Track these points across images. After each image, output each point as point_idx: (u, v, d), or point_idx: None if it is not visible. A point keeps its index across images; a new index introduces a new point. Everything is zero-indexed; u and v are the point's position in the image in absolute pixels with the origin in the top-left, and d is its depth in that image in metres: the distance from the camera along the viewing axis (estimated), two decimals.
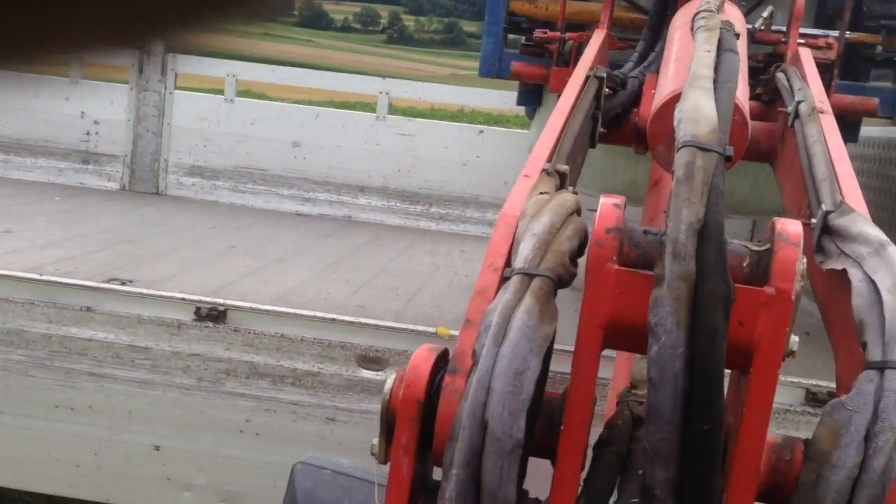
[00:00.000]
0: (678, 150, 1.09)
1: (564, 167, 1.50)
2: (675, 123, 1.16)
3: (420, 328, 3.34)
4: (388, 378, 1.16)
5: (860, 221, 1.29)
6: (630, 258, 1.06)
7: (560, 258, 1.10)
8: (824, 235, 1.32)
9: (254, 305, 3.42)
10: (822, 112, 1.79)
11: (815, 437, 1.04)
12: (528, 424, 1.01)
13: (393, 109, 6.43)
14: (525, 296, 1.05)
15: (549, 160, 1.55)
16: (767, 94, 2.34)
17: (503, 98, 6.53)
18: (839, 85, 3.22)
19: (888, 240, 1.21)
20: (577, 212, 1.21)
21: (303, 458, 1.86)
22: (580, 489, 1.10)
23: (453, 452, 1.02)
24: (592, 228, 1.10)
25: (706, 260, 0.98)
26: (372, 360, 3.36)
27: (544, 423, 1.12)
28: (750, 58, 2.29)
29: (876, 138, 4.28)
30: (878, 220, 1.32)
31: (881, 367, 1.04)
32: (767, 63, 2.51)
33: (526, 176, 1.46)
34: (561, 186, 1.41)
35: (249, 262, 4.34)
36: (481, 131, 6.22)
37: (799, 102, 1.86)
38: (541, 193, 1.29)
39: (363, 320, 3.37)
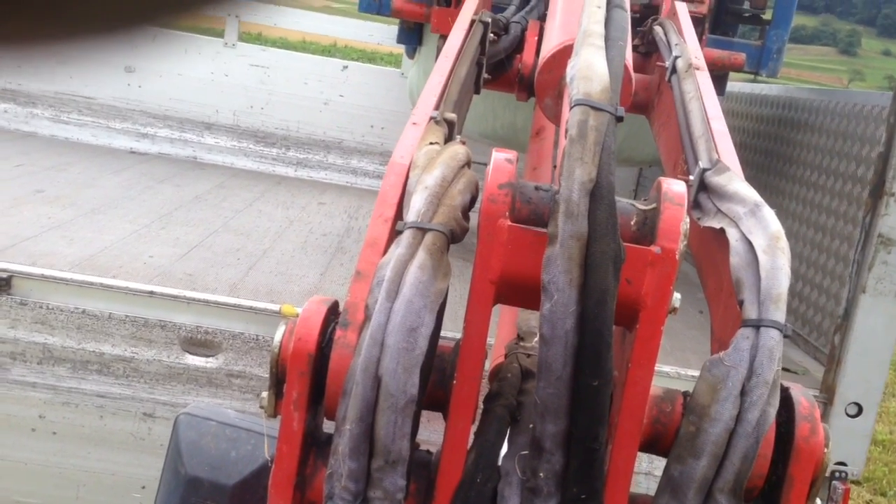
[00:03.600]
0: (571, 108, 1.07)
1: (453, 115, 1.47)
2: (567, 80, 1.16)
3: (259, 304, 2.74)
4: (278, 330, 1.13)
5: (735, 180, 1.31)
6: (522, 214, 1.06)
7: (453, 213, 1.10)
8: (701, 192, 1.34)
9: (47, 272, 2.72)
10: (697, 69, 1.79)
11: (694, 391, 1.07)
12: (421, 380, 1.01)
13: (264, 40, 5.67)
14: (418, 251, 1.04)
15: (437, 107, 1.52)
16: (644, 47, 2.33)
17: (369, 30, 5.87)
18: (708, 39, 3.28)
19: (762, 200, 1.23)
20: (469, 164, 1.20)
21: (186, 409, 1.74)
22: (471, 442, 1.11)
23: (346, 408, 1.02)
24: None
25: (598, 220, 0.99)
26: (199, 344, 2.74)
27: (436, 378, 1.14)
28: None
29: (774, 97, 3.96)
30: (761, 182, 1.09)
31: (757, 325, 1.07)
32: (644, 15, 2.48)
33: (414, 123, 1.44)
34: (449, 135, 1.42)
35: (56, 212, 3.57)
36: (345, 66, 5.54)
37: (676, 58, 1.85)
38: (431, 143, 1.28)
39: (189, 294, 2.74)
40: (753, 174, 3.84)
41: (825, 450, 1.11)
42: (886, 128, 2.58)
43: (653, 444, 1.15)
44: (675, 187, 1.07)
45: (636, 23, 2.41)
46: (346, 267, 3.45)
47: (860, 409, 2.62)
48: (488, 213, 1.04)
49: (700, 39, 3.03)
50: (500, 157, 1.08)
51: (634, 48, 2.35)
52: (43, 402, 2.73)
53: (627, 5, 1.57)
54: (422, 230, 1.06)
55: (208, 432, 1.68)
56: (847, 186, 2.95)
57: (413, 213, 1.09)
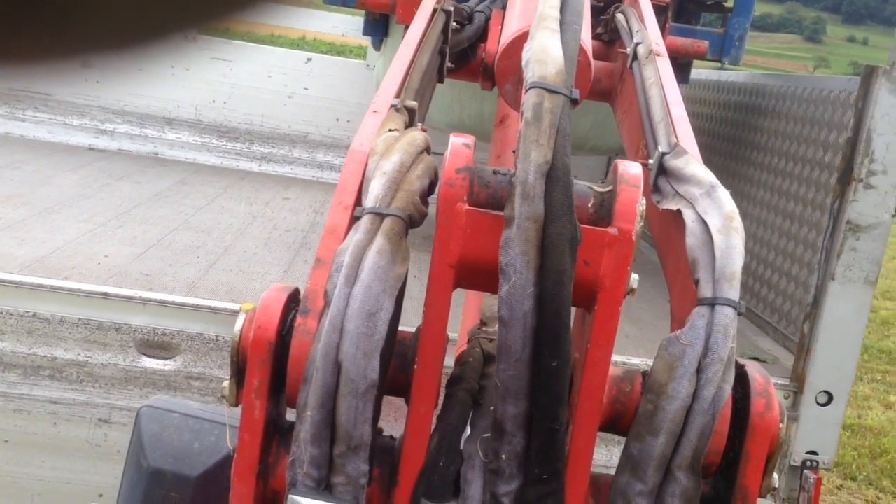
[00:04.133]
0: (526, 91, 1.09)
1: (413, 103, 1.48)
2: (523, 64, 1.16)
3: (219, 304, 2.65)
4: (238, 319, 1.13)
5: (692, 163, 1.32)
6: (480, 198, 1.07)
7: (411, 197, 1.10)
8: (660, 176, 1.36)
9: None
10: (658, 55, 1.80)
11: (652, 370, 1.08)
12: (381, 365, 1.01)
13: (232, 34, 5.54)
14: (377, 236, 1.05)
15: (398, 95, 1.52)
16: (608, 34, 2.32)
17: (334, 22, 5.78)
18: (672, 27, 3.30)
19: (718, 182, 1.24)
20: (428, 150, 1.21)
21: (148, 402, 1.71)
22: (433, 426, 1.11)
23: (307, 394, 1.02)
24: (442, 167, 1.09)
25: (554, 202, 0.99)
26: (157, 346, 2.65)
27: (398, 363, 1.13)
28: None
29: (740, 83, 3.93)
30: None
31: (711, 304, 1.08)
32: (608, 2, 2.47)
33: (375, 111, 1.44)
34: (410, 123, 1.42)
35: (7, 212, 3.45)
36: (309, 59, 5.44)
37: (637, 45, 1.87)
38: (390, 130, 1.29)
39: (145, 294, 2.65)
40: (721, 161, 3.82)
41: (780, 425, 1.13)
42: (854, 112, 2.55)
43: (613, 424, 1.17)
44: (631, 169, 1.08)
45: (600, 10, 2.42)
46: (310, 263, 3.34)
47: (830, 398, 2.60)
48: (446, 197, 1.04)
49: (663, 28, 3.05)
50: (458, 142, 1.08)
51: (598, 36, 2.37)
52: None
53: None
54: (380, 215, 1.07)
55: (171, 424, 1.65)
56: (815, 173, 2.92)
57: (371, 198, 1.09)
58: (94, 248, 3.13)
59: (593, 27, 2.32)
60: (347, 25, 5.64)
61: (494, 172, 1.09)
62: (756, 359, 2.85)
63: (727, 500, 1.14)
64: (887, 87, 2.48)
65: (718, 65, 4.26)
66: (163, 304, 2.64)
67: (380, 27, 3.87)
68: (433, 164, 1.19)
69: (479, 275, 1.06)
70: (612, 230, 1.04)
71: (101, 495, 2.69)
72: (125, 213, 3.74)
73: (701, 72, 4.39)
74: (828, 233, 2.58)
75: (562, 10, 1.33)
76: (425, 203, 1.14)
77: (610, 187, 1.08)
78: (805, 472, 2.62)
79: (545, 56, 1.12)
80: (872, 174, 2.50)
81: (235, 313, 2.66)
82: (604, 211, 1.07)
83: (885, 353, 8.11)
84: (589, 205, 1.08)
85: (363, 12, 3.88)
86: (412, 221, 1.09)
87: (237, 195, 4.49)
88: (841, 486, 5.44)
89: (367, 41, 4.97)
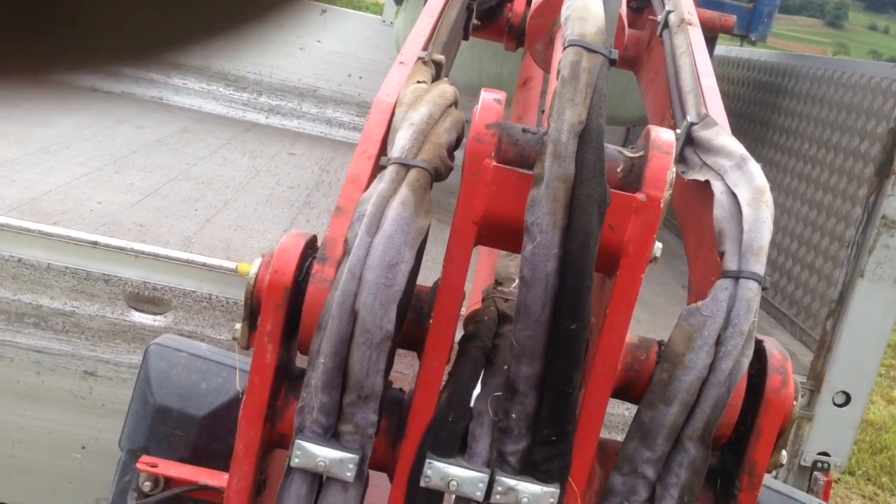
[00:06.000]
0: (564, 48, 1.05)
1: (440, 57, 1.45)
2: (562, 20, 1.13)
3: (213, 261, 2.53)
4: (255, 262, 1.13)
5: (723, 135, 1.30)
6: (508, 155, 1.05)
7: (437, 150, 1.09)
8: (687, 146, 1.33)
9: None
10: (690, 24, 1.75)
11: (670, 339, 1.08)
12: (398, 317, 1.02)
13: None
14: (401, 187, 1.04)
15: (426, 48, 1.49)
16: (637, 2, 2.29)
17: None
18: None
19: (748, 154, 1.22)
20: (456, 103, 1.19)
21: (157, 340, 1.72)
22: (444, 381, 1.11)
23: (321, 341, 1.03)
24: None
25: (585, 163, 0.98)
26: (147, 301, 2.54)
27: (413, 317, 1.14)
28: None
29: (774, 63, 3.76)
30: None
31: (736, 277, 1.08)
32: None
33: (401, 63, 1.43)
34: (437, 76, 1.39)
35: (1, 150, 3.31)
36: (324, 10, 5.26)
37: (669, 13, 1.82)
38: (418, 82, 1.27)
39: (136, 246, 2.52)
40: (747, 144, 3.67)
41: (794, 402, 1.13)
42: None
43: (625, 391, 1.16)
44: (663, 136, 1.05)
45: None
46: (313, 223, 3.24)
47: (848, 399, 2.48)
48: (474, 153, 1.02)
49: None
50: (489, 97, 1.06)
51: (626, 3, 2.27)
52: None
53: None
54: (406, 166, 1.05)
55: (179, 363, 1.66)
56: (849, 163, 2.77)
57: (398, 149, 1.07)
58: (88, 194, 2.99)
59: None
60: None
61: (524, 130, 1.06)
62: None
63: (734, 473, 1.14)
64: None
65: (738, 41, 4.15)
66: (155, 257, 2.52)
67: None
68: (461, 118, 1.15)
69: (502, 233, 1.04)
70: (640, 196, 1.02)
71: (83, 447, 2.60)
72: (123, 158, 3.60)
73: (731, 49, 4.22)
74: (860, 227, 2.44)
75: None
76: (451, 157, 1.12)
77: (641, 153, 1.06)
78: (815, 473, 2.51)
79: (586, 13, 1.07)
80: None
81: (231, 272, 2.54)
82: (633, 176, 1.05)
83: (890, 347, 7.99)
84: (618, 169, 1.05)
85: None
86: (437, 174, 1.07)
87: (241, 147, 4.35)
88: (839, 479, 5.36)
89: None
